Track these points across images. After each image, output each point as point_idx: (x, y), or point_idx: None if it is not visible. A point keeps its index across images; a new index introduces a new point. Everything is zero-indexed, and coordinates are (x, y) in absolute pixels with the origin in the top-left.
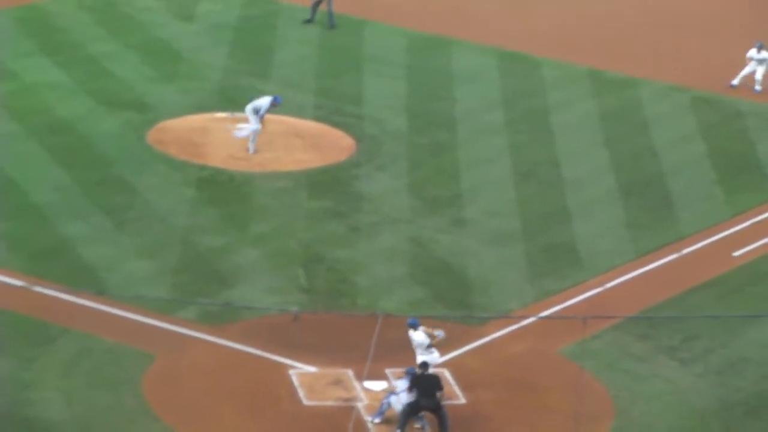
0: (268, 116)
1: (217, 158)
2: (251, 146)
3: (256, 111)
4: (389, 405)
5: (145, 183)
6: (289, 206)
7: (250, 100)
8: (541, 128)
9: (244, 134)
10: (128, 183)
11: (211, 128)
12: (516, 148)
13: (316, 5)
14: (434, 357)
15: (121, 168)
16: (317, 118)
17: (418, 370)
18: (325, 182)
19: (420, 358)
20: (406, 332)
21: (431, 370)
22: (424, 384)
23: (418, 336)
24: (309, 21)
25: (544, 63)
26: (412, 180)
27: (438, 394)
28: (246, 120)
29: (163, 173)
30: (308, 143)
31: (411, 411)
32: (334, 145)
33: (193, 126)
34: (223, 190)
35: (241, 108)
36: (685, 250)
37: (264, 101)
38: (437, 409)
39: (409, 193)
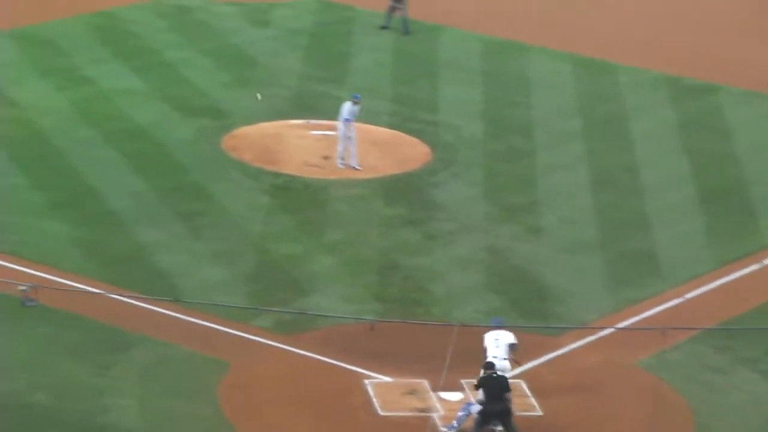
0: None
1: (292, 165)
2: (352, 161)
3: (344, 119)
4: (467, 415)
5: (220, 190)
6: (364, 214)
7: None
8: (619, 135)
9: (345, 155)
10: (203, 190)
11: (286, 135)
12: (593, 154)
13: (391, 11)
14: (505, 365)
15: (196, 174)
16: (392, 126)
17: (484, 372)
18: (400, 190)
19: (490, 359)
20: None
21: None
22: (492, 386)
23: (506, 336)
24: (385, 27)
25: (620, 69)
26: (487, 187)
27: (506, 395)
28: (323, 127)
29: (237, 180)
30: (383, 150)
31: (482, 420)
32: (409, 152)
33: (267, 133)
34: (298, 197)
35: (316, 114)
36: (767, 260)
37: (345, 107)
38: (505, 415)
39: (484, 200)
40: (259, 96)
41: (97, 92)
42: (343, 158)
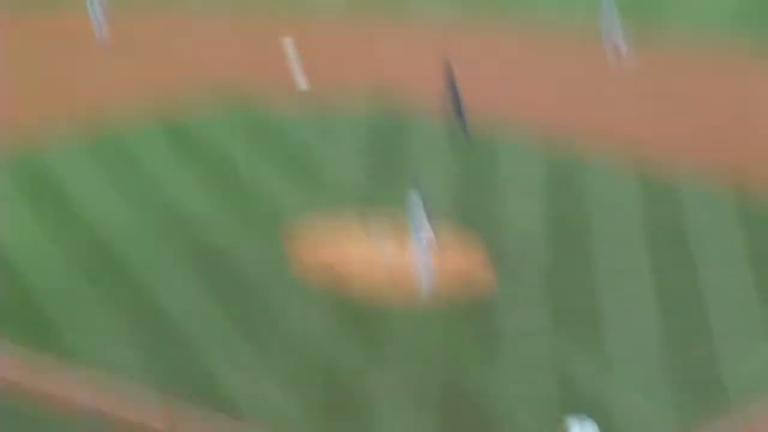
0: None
1: (359, 284)
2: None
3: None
4: None
5: (288, 310)
6: (428, 334)
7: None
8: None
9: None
10: (274, 309)
11: (353, 252)
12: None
13: (453, 122)
14: None
15: (264, 295)
16: (455, 243)
17: None
18: (464, 310)
19: None
20: None
21: None
22: None
23: None
24: (449, 138)
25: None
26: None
27: None
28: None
29: (309, 300)
30: (447, 271)
31: None
32: (472, 271)
33: (341, 252)
34: (364, 316)
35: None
36: None
37: (414, 211)
38: None
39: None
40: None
41: (170, 210)
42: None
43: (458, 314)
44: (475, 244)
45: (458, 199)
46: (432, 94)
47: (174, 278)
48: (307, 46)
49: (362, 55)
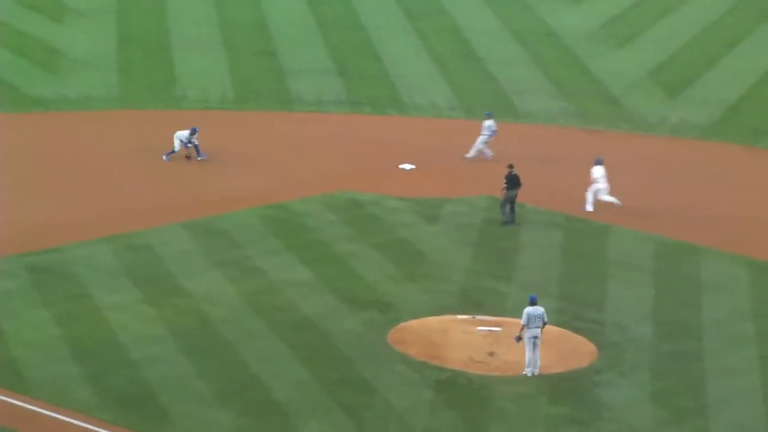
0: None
1: (457, 361)
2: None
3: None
4: None
5: (385, 383)
6: (528, 412)
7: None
8: None
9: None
10: (368, 382)
11: (452, 330)
12: (767, 361)
13: (504, 206)
14: None
15: (361, 367)
16: (559, 323)
17: None
18: (566, 388)
19: None
20: None
21: None
22: None
23: None
24: (505, 223)
25: None
26: (655, 389)
27: None
28: (489, 323)
29: (402, 374)
30: (549, 348)
31: None
32: (575, 350)
33: (434, 327)
34: (462, 393)
35: (482, 310)
36: None
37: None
38: None
39: (652, 402)
40: None
41: (268, 283)
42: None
43: (557, 386)
44: (579, 327)
45: (564, 282)
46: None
47: (269, 347)
48: None
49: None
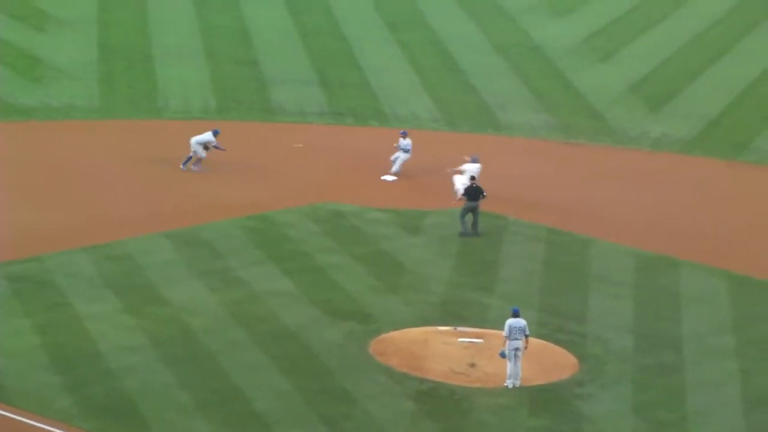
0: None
1: (438, 372)
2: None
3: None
4: None
5: (366, 394)
6: (508, 424)
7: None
8: None
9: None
10: (348, 393)
11: (433, 341)
12: (747, 373)
13: (464, 216)
14: None
15: (342, 378)
16: (540, 336)
17: None
18: (547, 400)
19: None
20: None
21: None
22: None
23: None
24: (464, 234)
25: None
26: (636, 401)
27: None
28: (471, 335)
29: (383, 385)
30: (530, 360)
31: None
32: (556, 363)
33: (415, 338)
34: (443, 404)
35: (463, 321)
36: None
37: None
38: None
39: (633, 414)
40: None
41: (249, 294)
42: None
43: (537, 398)
44: (560, 339)
45: (545, 294)
46: None
47: (251, 357)
48: None
49: None
